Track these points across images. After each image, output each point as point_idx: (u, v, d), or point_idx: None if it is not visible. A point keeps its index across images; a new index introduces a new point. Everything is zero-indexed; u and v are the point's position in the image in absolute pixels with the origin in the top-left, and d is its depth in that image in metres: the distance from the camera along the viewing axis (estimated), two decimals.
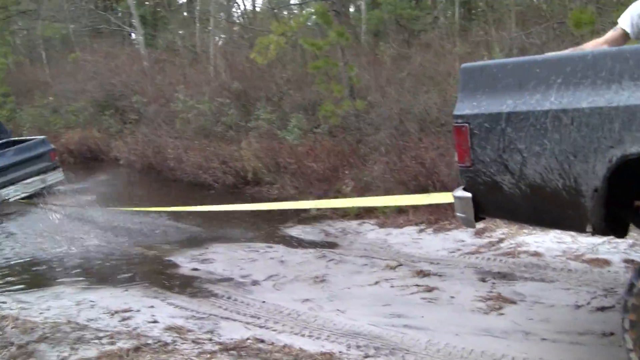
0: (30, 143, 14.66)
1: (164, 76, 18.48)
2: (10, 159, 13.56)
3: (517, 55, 10.63)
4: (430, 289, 6.36)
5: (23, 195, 13.51)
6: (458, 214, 4.27)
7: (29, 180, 13.62)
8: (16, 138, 15.64)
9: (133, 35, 23.73)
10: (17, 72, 25.58)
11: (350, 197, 10.01)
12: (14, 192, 13.32)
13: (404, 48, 14.12)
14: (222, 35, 20.24)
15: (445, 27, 15.40)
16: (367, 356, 4.91)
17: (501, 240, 7.63)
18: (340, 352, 5.02)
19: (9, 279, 8.37)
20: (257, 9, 23.55)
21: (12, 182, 13.38)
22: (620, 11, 7.74)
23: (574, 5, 10.56)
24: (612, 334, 4.90)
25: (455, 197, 4.23)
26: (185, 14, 25.79)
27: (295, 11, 18.83)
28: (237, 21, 20.19)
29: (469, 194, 4.04)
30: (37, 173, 13.81)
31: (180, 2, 28.54)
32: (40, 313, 6.49)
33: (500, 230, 7.96)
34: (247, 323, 5.95)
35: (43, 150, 14.09)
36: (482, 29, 14.03)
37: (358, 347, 5.11)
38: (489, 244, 7.60)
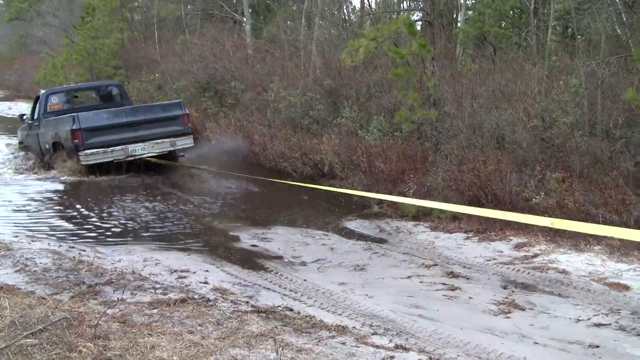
0: (164, 104, 15.15)
1: (264, 66, 19.38)
2: (141, 116, 13.91)
3: (586, 82, 11.02)
4: (453, 288, 7.02)
5: (150, 154, 13.78)
6: None
7: (158, 141, 13.81)
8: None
9: (243, 24, 24.79)
10: (130, 47, 27.08)
11: (410, 199, 10.64)
12: (141, 150, 13.56)
13: (487, 64, 14.59)
14: (324, 33, 20.94)
15: (530, 47, 15.75)
16: (375, 333, 5.63)
17: (536, 256, 8.16)
18: (353, 327, 5.76)
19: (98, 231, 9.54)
20: (353, 16, 24.19)
21: (141, 139, 13.62)
22: None
23: None
24: (597, 346, 5.46)
25: None
26: (294, 8, 26.65)
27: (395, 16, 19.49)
28: (339, 22, 20.85)
29: None
30: (168, 135, 14.00)
31: None
32: (112, 263, 7.50)
33: (539, 246, 8.48)
34: (284, 295, 6.77)
35: (176, 113, 14.32)
36: (565, 52, 14.34)
37: (371, 325, 5.84)
38: (524, 257, 8.14)
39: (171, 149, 14.08)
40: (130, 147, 13.43)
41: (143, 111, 14.30)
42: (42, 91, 16.26)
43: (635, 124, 10.33)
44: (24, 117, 16.50)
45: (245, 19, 23.71)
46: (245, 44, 22.47)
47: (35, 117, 15.88)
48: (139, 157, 13.62)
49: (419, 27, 18.31)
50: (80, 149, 13.11)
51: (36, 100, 16.16)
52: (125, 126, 13.53)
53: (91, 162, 13.12)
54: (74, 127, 13.12)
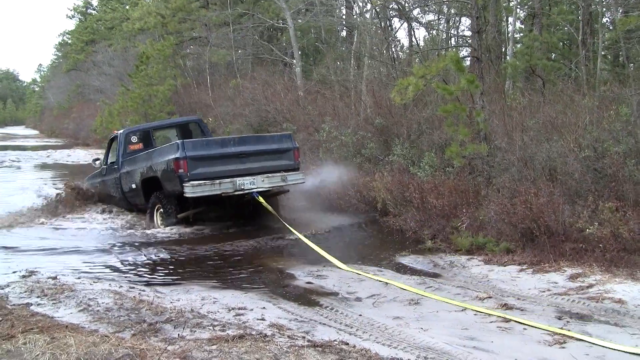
0: (275, 135, 14.21)
1: (315, 107, 19.74)
2: (250, 147, 12.97)
3: (638, 110, 11.01)
4: (507, 320, 7.05)
5: (259, 189, 12.60)
6: None
7: (269, 175, 12.81)
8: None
9: (293, 66, 25.27)
10: (183, 93, 27.82)
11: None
12: (249, 184, 12.49)
13: (536, 97, 14.65)
14: (373, 72, 21.26)
15: (580, 78, 15.77)
16: None
17: (591, 286, 8.14)
18: (408, 359, 5.86)
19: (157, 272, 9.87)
20: (401, 54, 24.44)
21: (250, 172, 12.66)
22: None
23: None
24: None
25: None
26: (343, 48, 27.07)
27: (443, 53, 19.71)
28: (387, 61, 21.12)
29: None
30: (279, 169, 13.06)
31: (343, 34, 30.09)
32: (171, 302, 7.76)
33: (594, 276, 8.46)
34: (340, 330, 6.90)
35: (287, 146, 13.40)
36: (615, 81, 14.32)
37: (425, 358, 5.94)
38: (579, 288, 8.13)
39: (282, 184, 13.07)
40: (239, 180, 12.41)
41: (252, 142, 13.37)
42: (119, 131, 15.71)
43: None
44: (97, 163, 16.35)
45: (295, 61, 24.20)
46: (296, 86, 22.93)
47: (112, 160, 15.42)
48: (248, 191, 12.49)
49: (467, 63, 18.60)
50: (185, 179, 12.06)
51: (111, 141, 15.71)
52: (233, 157, 12.64)
53: (198, 195, 12.10)
54: (178, 155, 12.11)
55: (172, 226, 13.04)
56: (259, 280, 9.27)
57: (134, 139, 15.23)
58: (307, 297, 8.35)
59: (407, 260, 10.27)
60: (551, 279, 8.66)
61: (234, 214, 13.74)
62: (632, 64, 16.93)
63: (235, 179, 12.35)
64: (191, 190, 11.99)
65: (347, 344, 6.29)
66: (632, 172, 10.12)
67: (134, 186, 14.21)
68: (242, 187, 12.38)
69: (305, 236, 11.31)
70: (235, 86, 24.56)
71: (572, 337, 6.43)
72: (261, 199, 12.47)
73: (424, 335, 6.66)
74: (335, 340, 6.37)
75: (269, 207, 12.45)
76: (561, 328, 6.72)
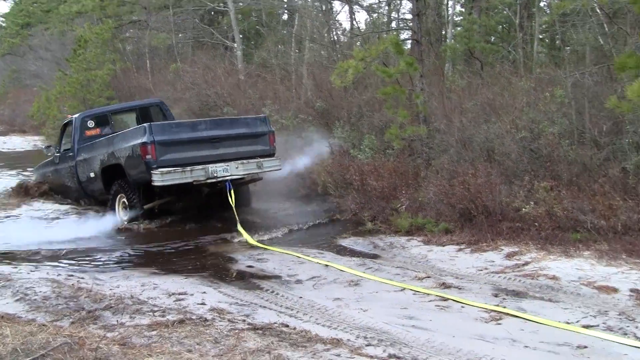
0: (249, 118, 12.99)
1: (255, 90, 19.61)
2: (223, 131, 11.96)
3: (572, 92, 11.24)
4: (445, 299, 7.15)
5: (232, 176, 11.61)
6: None
7: (243, 161, 11.79)
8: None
9: (234, 50, 25.09)
10: (122, 77, 27.38)
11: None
12: (222, 171, 11.45)
13: (475, 79, 14.83)
14: (314, 56, 21.22)
15: (516, 61, 16.02)
16: (369, 345, 5.78)
17: (527, 264, 8.32)
18: (348, 339, 5.92)
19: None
20: (342, 38, 24.48)
21: (222, 159, 11.62)
22: None
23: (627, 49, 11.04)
24: (585, 347, 5.60)
25: None
26: (284, 31, 26.98)
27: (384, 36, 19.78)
28: (328, 44, 21.13)
29: None
30: (252, 155, 12.04)
31: (284, 17, 29.98)
32: (111, 289, 7.67)
33: (530, 254, 8.65)
34: (280, 312, 6.92)
35: (262, 130, 12.37)
36: (552, 64, 14.59)
37: (365, 337, 5.99)
38: (515, 266, 8.30)
39: (258, 171, 12.07)
40: (211, 167, 11.38)
41: (226, 125, 12.32)
42: (74, 116, 14.55)
43: (620, 131, 10.54)
44: (48, 150, 15.11)
45: (236, 45, 24.05)
46: (236, 70, 22.79)
47: (66, 147, 14.33)
48: (221, 179, 11.48)
49: (408, 46, 18.69)
50: (153, 166, 10.99)
51: (65, 127, 14.76)
52: (204, 142, 11.61)
53: (167, 183, 11.06)
54: (145, 140, 11.05)
55: (136, 220, 12.10)
56: (199, 266, 9.21)
57: (91, 123, 14.06)
58: (248, 281, 8.34)
59: (348, 242, 10.32)
60: (488, 257, 8.82)
61: (203, 204, 12.66)
62: (567, 47, 17.23)
63: (207, 165, 11.37)
64: (160, 178, 10.94)
65: (288, 326, 6.31)
66: (567, 152, 10.33)
67: (92, 175, 13.18)
68: (215, 175, 11.41)
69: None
70: (175, 70, 24.24)
71: (508, 314, 6.56)
72: (232, 195, 11.44)
73: (364, 316, 6.71)
74: (275, 323, 6.38)
75: (232, 203, 11.36)
76: (497, 305, 6.85)
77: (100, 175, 12.84)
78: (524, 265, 8.29)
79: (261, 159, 11.96)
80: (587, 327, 6.09)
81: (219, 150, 11.68)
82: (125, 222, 12.16)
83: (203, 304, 7.12)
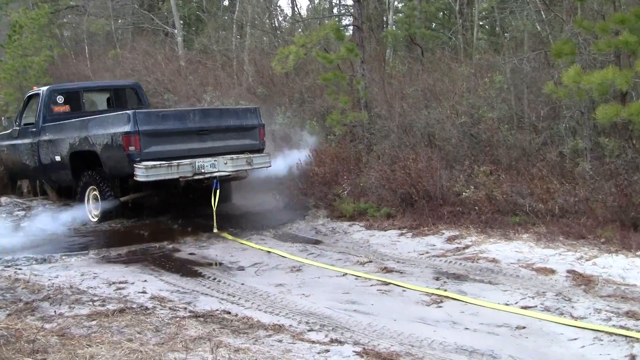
0: (240, 109, 11.79)
1: (196, 77, 19.38)
2: (213, 122, 10.82)
3: (511, 78, 11.41)
4: (387, 283, 7.19)
5: (221, 173, 10.39)
6: None
7: (233, 156, 10.59)
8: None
9: (174, 36, 24.74)
10: (60, 64, 26.74)
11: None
12: (210, 167, 10.29)
13: (416, 65, 14.93)
14: (255, 42, 21.10)
15: (457, 47, 16.19)
16: (311, 330, 5.76)
17: (467, 247, 8.43)
18: (290, 325, 5.89)
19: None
20: (284, 23, 24.40)
21: (210, 153, 10.50)
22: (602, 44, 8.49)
23: (563, 35, 11.23)
24: (524, 327, 5.69)
25: None
26: (225, 17, 26.73)
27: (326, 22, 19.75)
28: (270, 30, 21.02)
29: None
30: (242, 150, 10.91)
31: (225, 3, 29.66)
32: (49, 279, 7.51)
33: (471, 237, 8.78)
34: (222, 299, 6.86)
35: (252, 123, 11.25)
36: (491, 50, 14.78)
37: (307, 323, 5.97)
38: (456, 249, 8.40)
39: (247, 168, 10.84)
40: (198, 162, 10.21)
41: (216, 116, 11.07)
42: (41, 88, 13.23)
43: (558, 116, 10.73)
44: (5, 120, 13.80)
45: (176, 31, 23.69)
46: (177, 56, 22.47)
47: (28, 121, 13.01)
48: (208, 176, 10.30)
49: (350, 33, 18.69)
50: (137, 159, 9.84)
51: (29, 99, 13.34)
52: (192, 134, 10.49)
53: (152, 179, 9.83)
54: (129, 129, 9.89)
55: (109, 217, 10.95)
56: (140, 254, 9.07)
57: (60, 99, 12.68)
58: (190, 269, 8.26)
59: (290, 228, 10.31)
60: (430, 241, 8.92)
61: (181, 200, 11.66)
62: (506, 34, 17.46)
63: (194, 160, 10.18)
64: (144, 173, 9.70)
65: (229, 312, 6.26)
66: (506, 136, 10.48)
67: (58, 159, 11.87)
68: (202, 171, 10.22)
69: None
70: (114, 57, 23.79)
71: (448, 297, 6.62)
72: (217, 194, 10.26)
73: (306, 301, 6.70)
74: (217, 310, 6.33)
75: (214, 203, 10.19)
76: (438, 288, 6.91)
77: (68, 161, 11.57)
78: (464, 248, 8.40)
79: (251, 155, 10.82)
80: (525, 308, 6.19)
81: (206, 143, 10.59)
82: (96, 219, 11.08)
83: (144, 292, 7.02)
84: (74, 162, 11.48)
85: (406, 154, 10.70)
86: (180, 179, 10.10)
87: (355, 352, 5.16)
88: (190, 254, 9.01)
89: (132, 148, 9.86)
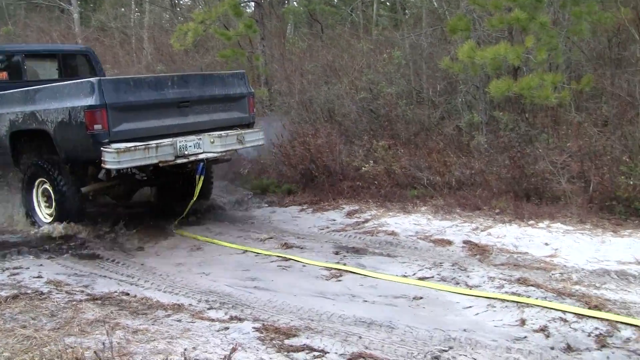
0: (225, 75, 9.31)
1: None
2: (196, 91, 8.54)
3: (410, 54, 11.55)
4: (287, 259, 7.19)
5: (208, 155, 8.36)
6: None
7: (222, 133, 8.53)
8: None
9: (70, 12, 23.98)
10: None
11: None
12: (194, 147, 8.20)
13: (316, 41, 14.94)
14: (155, 19, 20.70)
15: (356, 23, 16.29)
16: (211, 308, 5.71)
17: (367, 221, 8.52)
18: (190, 304, 5.83)
19: None
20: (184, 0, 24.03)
21: (193, 130, 8.38)
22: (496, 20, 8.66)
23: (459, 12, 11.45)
24: (421, 297, 5.79)
25: None
26: None
27: None
28: (169, 7, 20.64)
29: None
30: (230, 125, 8.91)
31: None
32: None
33: (370, 211, 8.89)
34: (121, 281, 6.72)
35: (240, 91, 9.15)
36: (391, 26, 14.94)
37: (207, 301, 5.92)
38: (355, 224, 8.48)
39: (238, 147, 8.84)
40: (179, 141, 8.05)
41: (198, 83, 8.69)
42: None
43: (455, 91, 10.94)
44: None
45: (72, 7, 22.94)
46: (73, 34, 21.80)
47: None
48: (193, 159, 8.22)
49: (252, 9, 18.55)
50: (105, 141, 7.55)
51: None
52: (170, 106, 8.24)
53: (125, 166, 7.83)
54: (93, 102, 7.52)
55: (65, 217, 8.52)
56: (35, 240, 8.72)
57: None
58: (86, 251, 8.01)
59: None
60: (330, 216, 8.98)
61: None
62: (407, 11, 17.66)
63: (175, 139, 8.02)
64: (115, 159, 7.44)
65: (128, 294, 6.14)
66: (404, 111, 10.63)
67: None
68: (185, 152, 8.10)
69: None
70: (7, 34, 22.89)
71: (347, 271, 6.67)
72: (200, 182, 8.66)
73: (206, 280, 6.65)
74: (115, 292, 6.20)
75: (196, 192, 8.69)
76: (337, 263, 6.95)
77: (8, 143, 8.99)
78: (364, 222, 8.49)
79: (242, 131, 8.83)
80: (422, 279, 6.31)
81: (188, 118, 8.40)
82: (50, 219, 8.80)
83: (39, 277, 6.79)
84: (14, 144, 9.00)
85: (306, 130, 10.71)
86: (160, 164, 7.87)
87: (254, 328, 5.13)
88: None
89: (97, 127, 7.55)
